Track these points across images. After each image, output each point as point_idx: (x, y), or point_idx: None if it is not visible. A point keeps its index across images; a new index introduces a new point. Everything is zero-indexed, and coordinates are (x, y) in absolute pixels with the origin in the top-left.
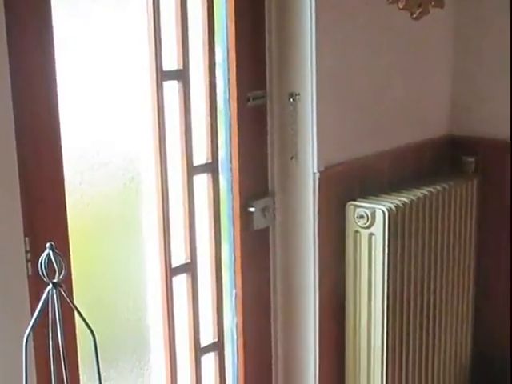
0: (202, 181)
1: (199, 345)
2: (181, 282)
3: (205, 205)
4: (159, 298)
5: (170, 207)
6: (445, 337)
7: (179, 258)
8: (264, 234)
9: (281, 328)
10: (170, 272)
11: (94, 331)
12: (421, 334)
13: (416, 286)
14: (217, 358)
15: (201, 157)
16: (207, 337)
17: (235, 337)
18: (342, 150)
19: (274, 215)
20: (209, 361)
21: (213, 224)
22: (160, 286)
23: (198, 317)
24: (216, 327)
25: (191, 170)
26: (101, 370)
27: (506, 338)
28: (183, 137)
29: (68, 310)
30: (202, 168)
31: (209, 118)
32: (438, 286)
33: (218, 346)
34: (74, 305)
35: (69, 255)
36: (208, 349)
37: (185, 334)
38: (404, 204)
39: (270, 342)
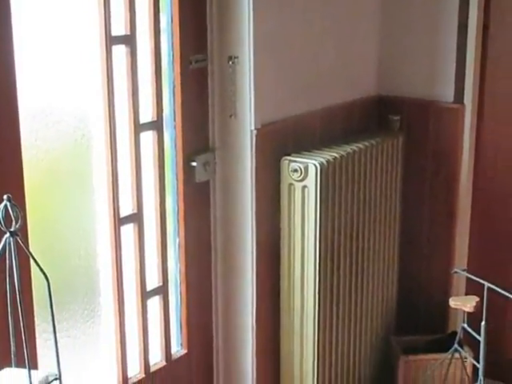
0: (147, 137)
1: (145, 289)
2: (128, 230)
3: (150, 159)
4: (108, 246)
5: (118, 162)
6: (373, 282)
7: (127, 208)
8: (205, 186)
9: (221, 273)
10: (119, 222)
11: (48, 276)
12: (350, 279)
13: (346, 234)
14: (161, 300)
15: (147, 115)
16: (153, 281)
17: (178, 281)
18: (277, 109)
19: (215, 169)
20: (154, 303)
21: (158, 177)
22: (109, 235)
23: (144, 263)
24: (161, 272)
25: (138, 128)
26: (54, 312)
27: (428, 283)
28: (130, 97)
29: (24, 257)
30: (148, 126)
31: (154, 79)
32: (366, 234)
33: (162, 290)
34: (29, 252)
35: (25, 206)
36: (153, 292)
37: (132, 278)
38: (335, 159)
39: (211, 285)
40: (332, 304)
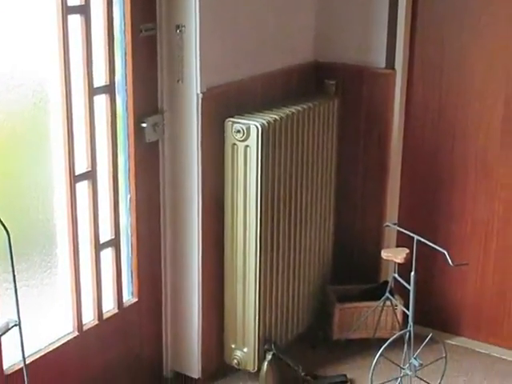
0: (101, 100)
1: (99, 241)
2: (83, 187)
3: (104, 121)
4: (64, 201)
5: (74, 123)
6: (310, 234)
7: (82, 167)
8: (154, 146)
9: (169, 226)
10: (74, 179)
11: (8, 229)
12: (289, 231)
13: (285, 189)
14: (114, 252)
15: (100, 80)
16: (105, 234)
17: (129, 234)
18: (221, 74)
19: (163, 130)
20: (107, 255)
21: (110, 137)
22: (65, 191)
23: (97, 217)
24: (113, 226)
25: (92, 91)
26: (14, 263)
27: (362, 236)
28: (85, 63)
29: None
30: (101, 89)
31: (107, 46)
32: (304, 189)
33: (114, 242)
34: None
35: None
36: (106, 245)
37: (86, 232)
38: (275, 120)
39: (160, 238)
40: (272, 254)
